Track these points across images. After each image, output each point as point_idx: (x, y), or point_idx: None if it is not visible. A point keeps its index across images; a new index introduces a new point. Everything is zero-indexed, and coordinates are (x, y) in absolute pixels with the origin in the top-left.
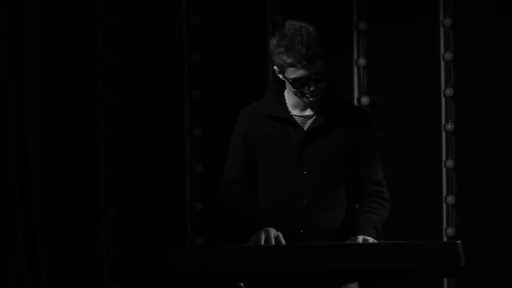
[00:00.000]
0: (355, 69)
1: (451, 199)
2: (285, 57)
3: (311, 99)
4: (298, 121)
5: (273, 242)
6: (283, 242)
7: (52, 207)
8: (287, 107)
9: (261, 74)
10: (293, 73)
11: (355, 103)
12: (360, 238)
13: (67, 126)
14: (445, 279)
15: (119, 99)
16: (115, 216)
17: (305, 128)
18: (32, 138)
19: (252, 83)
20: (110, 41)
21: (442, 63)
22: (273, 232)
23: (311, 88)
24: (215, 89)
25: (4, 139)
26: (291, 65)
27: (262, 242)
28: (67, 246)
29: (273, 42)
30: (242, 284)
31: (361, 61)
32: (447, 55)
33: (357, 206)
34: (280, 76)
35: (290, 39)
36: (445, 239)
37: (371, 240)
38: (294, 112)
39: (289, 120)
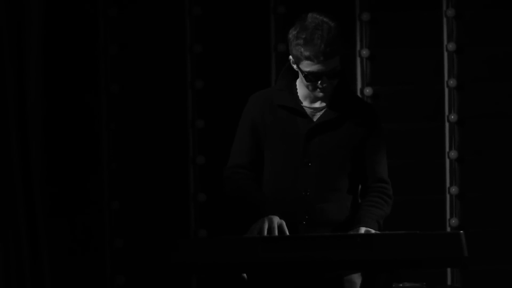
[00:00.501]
0: (358, 60)
1: (454, 189)
2: (302, 49)
3: (321, 94)
4: (307, 112)
5: (276, 231)
6: (286, 230)
7: (54, 199)
8: (298, 97)
9: (263, 65)
10: (308, 67)
11: (358, 94)
12: (362, 229)
13: (69, 118)
14: (448, 270)
15: (121, 90)
16: (118, 208)
17: (314, 120)
18: (34, 131)
19: (254, 74)
20: (113, 32)
21: (445, 54)
22: (276, 220)
23: (324, 84)
24: (218, 80)
25: (6, 133)
26: (308, 58)
27: (265, 231)
28: (70, 238)
29: (292, 32)
30: (245, 275)
31: (364, 52)
32: (450, 46)
33: (360, 201)
34: (295, 66)
35: (310, 33)
36: (448, 229)
37: (373, 231)
38: (305, 103)
39: (299, 110)
